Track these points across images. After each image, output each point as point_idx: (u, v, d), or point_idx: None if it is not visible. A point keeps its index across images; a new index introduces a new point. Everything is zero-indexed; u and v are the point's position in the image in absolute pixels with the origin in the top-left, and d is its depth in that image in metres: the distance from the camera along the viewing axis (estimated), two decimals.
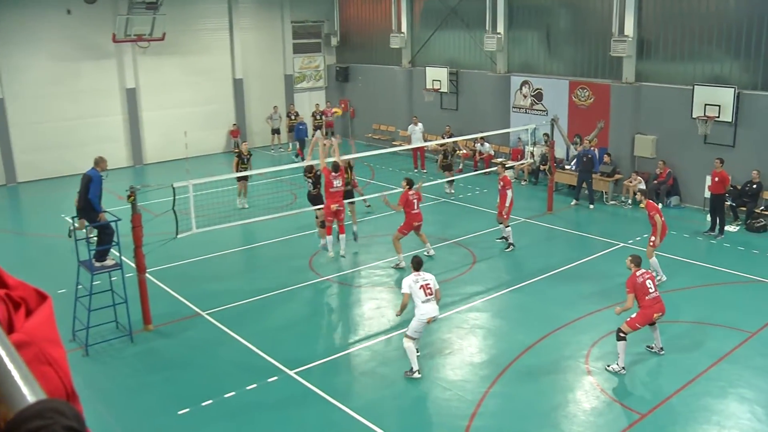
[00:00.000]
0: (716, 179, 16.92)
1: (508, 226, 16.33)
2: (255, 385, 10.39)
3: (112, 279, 12.40)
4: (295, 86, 31.96)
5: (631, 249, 16.04)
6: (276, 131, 29.35)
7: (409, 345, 10.46)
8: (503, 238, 16.56)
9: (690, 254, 15.69)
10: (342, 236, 14.49)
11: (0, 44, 23.56)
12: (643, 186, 19.93)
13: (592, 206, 20.00)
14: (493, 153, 24.78)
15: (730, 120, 18.21)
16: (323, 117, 30.57)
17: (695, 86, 18.76)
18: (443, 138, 25.27)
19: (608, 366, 10.66)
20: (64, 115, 25.21)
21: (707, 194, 18.00)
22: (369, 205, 19.38)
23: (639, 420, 9.35)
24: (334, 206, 14.31)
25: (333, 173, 14.62)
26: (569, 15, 22.63)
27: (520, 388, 10.28)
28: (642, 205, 14.13)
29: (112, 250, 12.35)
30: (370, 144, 30.40)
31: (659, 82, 20.20)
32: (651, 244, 13.80)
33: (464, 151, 24.94)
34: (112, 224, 11.73)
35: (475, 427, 9.28)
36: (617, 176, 20.69)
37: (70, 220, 13.52)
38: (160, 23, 25.78)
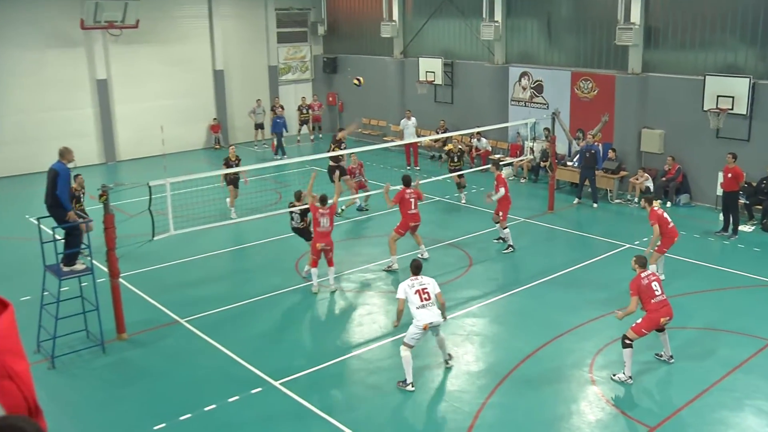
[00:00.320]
0: (729, 176, 16.93)
1: (506, 228, 16.33)
2: (237, 398, 10.31)
3: (83, 285, 12.27)
4: (280, 78, 31.91)
5: (638, 250, 16.05)
6: (259, 126, 29.30)
7: (405, 354, 10.39)
8: (501, 239, 16.57)
9: (701, 256, 15.71)
10: (331, 269, 14.30)
11: None
12: (650, 183, 19.99)
13: (595, 205, 20.02)
14: (490, 149, 24.78)
15: (744, 112, 18.26)
16: (310, 111, 30.52)
17: (707, 76, 18.80)
18: (437, 133, 25.35)
19: (614, 375, 10.64)
20: (28, 107, 25.03)
21: (719, 192, 18.05)
22: (367, 208, 19.34)
23: None
24: (320, 245, 14.04)
25: (321, 210, 13.87)
26: (571, 1, 22.66)
27: (520, 398, 10.24)
28: (646, 210, 14.06)
29: (82, 253, 12.25)
30: (360, 140, 30.35)
31: (668, 72, 20.25)
32: (656, 249, 13.73)
33: (460, 147, 24.87)
34: (90, 224, 11.62)
35: None
36: (623, 173, 20.73)
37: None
38: (133, 9, 25.62)
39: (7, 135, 24.75)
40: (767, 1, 18.09)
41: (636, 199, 20.06)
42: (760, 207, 17.97)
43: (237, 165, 19.08)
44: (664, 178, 20.07)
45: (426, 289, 10.38)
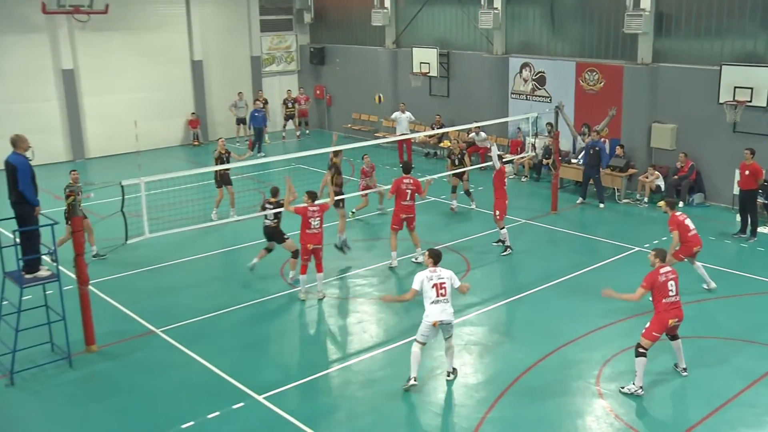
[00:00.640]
0: (747, 173, 16.96)
1: (503, 228, 16.33)
2: (218, 413, 10.25)
3: (48, 293, 12.17)
4: (263, 70, 31.89)
5: (648, 253, 16.05)
6: (241, 121, 29.27)
7: (415, 350, 10.61)
8: (500, 241, 16.57)
9: (717, 260, 15.70)
10: (320, 274, 14.23)
11: None
12: (661, 182, 20.02)
13: (602, 205, 20.05)
14: (489, 146, 24.74)
15: (764, 105, 18.33)
16: (296, 105, 30.48)
17: (723, 66, 18.85)
18: (433, 129, 25.33)
19: (623, 387, 10.62)
20: None
21: (736, 191, 18.06)
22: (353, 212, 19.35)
23: None
24: (311, 245, 13.96)
25: (311, 208, 13.76)
26: None
27: (522, 413, 10.21)
28: (667, 214, 13.97)
29: (47, 259, 12.14)
30: (350, 136, 30.33)
31: (680, 62, 20.30)
32: (673, 254, 13.65)
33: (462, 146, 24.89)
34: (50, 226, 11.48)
35: None
36: (631, 171, 20.77)
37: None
38: None
39: None
40: None
41: (645, 199, 20.10)
42: None
43: (228, 160, 18.77)
44: (676, 177, 20.11)
45: (444, 283, 10.44)
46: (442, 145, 26.50)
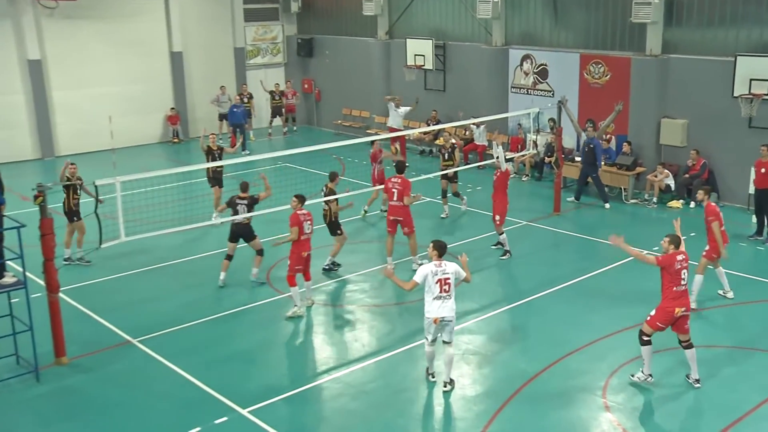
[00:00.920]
0: (763, 171, 17.02)
1: (502, 233, 16.32)
2: (199, 429, 10.21)
3: (13, 301, 12.07)
4: (248, 62, 31.86)
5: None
6: (224, 117, 29.20)
7: (427, 350, 11.08)
8: (499, 244, 16.57)
9: (732, 263, 15.63)
10: (308, 282, 14.17)
11: None
12: (671, 181, 20.05)
13: (607, 205, 20.09)
14: (487, 143, 24.79)
15: None
16: (283, 99, 30.44)
17: (738, 57, 18.86)
18: (428, 125, 25.34)
19: (632, 376, 11.03)
20: None
21: (752, 190, 18.11)
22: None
23: None
24: (305, 252, 13.89)
25: (302, 211, 13.59)
26: None
27: (524, 426, 10.21)
28: (703, 204, 13.88)
29: (11, 264, 12.06)
30: (340, 133, 30.37)
31: (692, 53, 20.35)
32: (705, 254, 13.66)
33: (453, 141, 24.89)
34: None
35: None
36: (639, 169, 20.80)
37: None
38: None
39: None
40: None
41: (654, 199, 20.13)
42: None
43: (220, 157, 18.70)
44: (687, 175, 20.15)
45: (448, 279, 10.61)
46: (437, 142, 26.49)
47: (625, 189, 20.74)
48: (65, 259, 16.03)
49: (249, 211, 14.86)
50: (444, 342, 10.94)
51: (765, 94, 18.40)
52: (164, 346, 12.63)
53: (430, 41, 26.17)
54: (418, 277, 10.66)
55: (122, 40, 27.98)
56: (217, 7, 30.76)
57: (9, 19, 25.65)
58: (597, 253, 16.87)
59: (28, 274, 11.77)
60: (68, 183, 15.64)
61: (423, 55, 26.31)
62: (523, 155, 21.22)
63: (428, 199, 20.31)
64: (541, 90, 23.77)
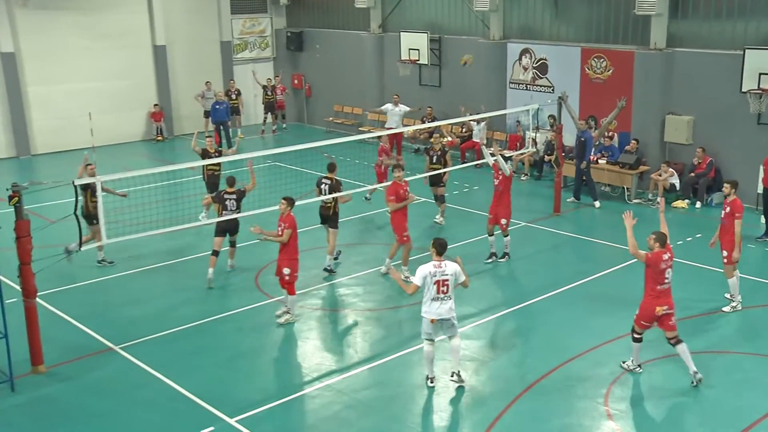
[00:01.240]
0: None
1: (507, 235, 16.31)
2: None
3: None
4: (235, 56, 31.85)
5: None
6: (209, 114, 29.16)
7: (427, 349, 11.21)
8: (492, 255, 16.42)
9: (740, 266, 15.64)
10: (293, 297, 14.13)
11: None
12: (675, 180, 20.10)
13: (597, 203, 20.15)
14: (485, 142, 24.82)
15: None
16: (274, 94, 30.42)
17: (746, 50, 18.92)
18: (423, 122, 25.38)
19: (623, 363, 11.65)
20: None
21: (760, 189, 18.17)
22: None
23: None
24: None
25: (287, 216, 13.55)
26: None
27: None
28: (729, 198, 13.73)
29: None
30: (331, 130, 30.40)
31: (698, 46, 20.42)
32: (726, 260, 13.67)
33: (449, 139, 24.95)
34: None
35: None
36: (642, 168, 20.86)
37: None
38: None
39: None
40: None
41: (658, 199, 20.12)
42: None
43: (214, 167, 18.51)
44: (692, 174, 20.21)
45: (447, 281, 10.80)
46: (433, 140, 26.48)
47: (628, 188, 20.79)
48: (98, 262, 16.42)
49: (238, 205, 15.27)
50: (448, 336, 11.22)
51: None
52: (148, 353, 12.61)
53: (425, 35, 26.20)
54: (417, 280, 10.83)
55: (102, 32, 27.94)
56: None
57: None
58: (598, 256, 16.91)
59: (2, 278, 11.77)
60: (87, 183, 15.41)
61: (418, 50, 26.34)
62: (522, 154, 21.25)
63: (423, 200, 20.34)
64: (541, 86, 23.81)
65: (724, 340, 12.73)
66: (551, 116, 21.64)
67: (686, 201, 20.05)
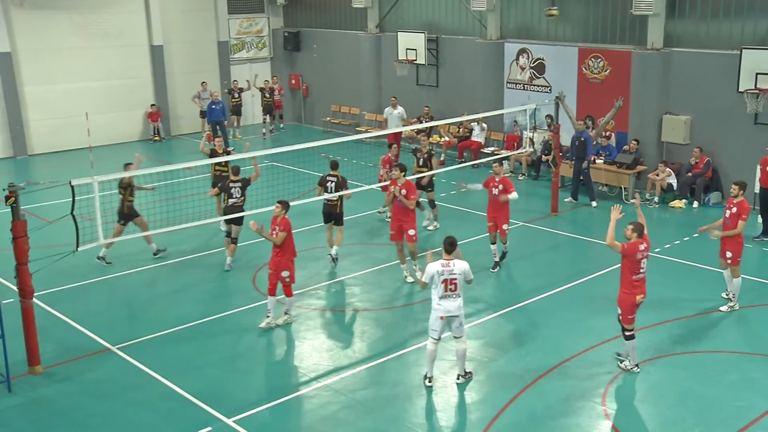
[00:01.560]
0: None
1: (506, 242, 16.03)
2: None
3: None
4: (232, 56, 31.82)
5: (659, 259, 16.17)
6: (205, 114, 29.16)
7: (430, 347, 11.21)
8: (497, 265, 16.18)
9: None
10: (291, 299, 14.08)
11: None
12: (673, 180, 20.12)
13: (594, 203, 20.16)
14: (483, 141, 24.85)
15: None
16: (272, 95, 30.42)
17: (743, 50, 18.96)
18: (421, 122, 25.36)
19: (621, 363, 11.70)
20: None
21: (757, 189, 18.18)
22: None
23: None
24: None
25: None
26: None
27: None
28: (736, 199, 13.87)
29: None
30: (328, 130, 30.39)
31: (695, 46, 20.44)
32: (730, 261, 13.67)
33: (446, 139, 24.99)
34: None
35: None
36: (640, 168, 20.87)
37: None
38: None
39: None
40: None
41: (656, 199, 20.20)
42: None
43: (226, 164, 18.29)
44: (690, 174, 20.23)
45: (455, 280, 10.90)
46: (431, 140, 26.50)
47: (625, 188, 20.80)
48: (98, 257, 16.43)
49: (243, 193, 15.97)
50: (455, 337, 11.27)
51: None
52: (145, 354, 12.60)
53: (423, 35, 26.20)
54: (425, 277, 11.00)
55: (99, 32, 27.93)
56: None
57: None
58: (595, 256, 16.90)
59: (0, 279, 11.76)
60: (128, 185, 16.23)
61: (415, 50, 26.34)
62: (519, 153, 21.25)
63: (422, 200, 20.32)
64: (538, 85, 23.82)
65: (722, 340, 12.73)
66: (548, 116, 21.67)
67: (683, 201, 20.07)
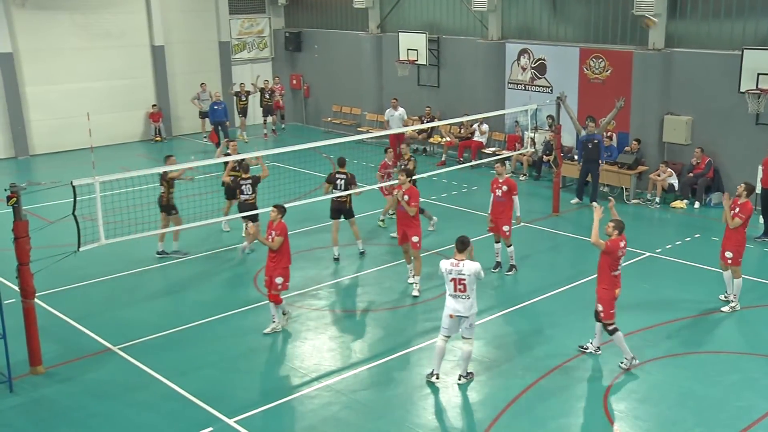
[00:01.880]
0: None
1: (510, 245, 15.97)
2: None
3: None
4: (233, 57, 31.83)
5: (660, 259, 16.18)
6: (206, 115, 29.15)
7: (438, 344, 11.32)
8: (498, 266, 16.14)
9: None
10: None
11: None
12: (674, 180, 20.11)
13: (595, 204, 20.05)
14: (484, 141, 24.84)
15: None
16: (272, 96, 30.42)
17: (745, 50, 18.95)
18: (422, 122, 25.40)
19: (621, 363, 11.69)
20: None
21: (759, 189, 18.14)
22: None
23: None
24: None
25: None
26: None
27: None
28: (740, 200, 13.80)
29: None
30: (330, 131, 30.40)
31: (697, 46, 20.43)
32: (731, 261, 13.65)
33: (447, 139, 24.99)
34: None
35: None
36: (641, 168, 20.86)
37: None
38: None
39: None
40: None
41: (657, 199, 20.20)
42: None
43: (239, 164, 18.01)
44: (691, 174, 20.22)
45: (463, 280, 10.88)
46: (432, 140, 26.56)
47: (626, 189, 20.80)
48: (158, 253, 16.83)
49: (254, 189, 16.41)
50: (463, 338, 11.28)
51: None
52: (146, 354, 12.61)
53: (424, 35, 26.20)
54: (441, 270, 11.10)
55: (100, 32, 27.94)
56: None
57: None
58: (596, 257, 16.78)
59: (1, 279, 11.76)
60: (170, 179, 16.65)
61: (416, 50, 26.34)
62: (520, 154, 21.24)
63: (421, 200, 20.32)
64: (539, 86, 23.81)
65: (723, 340, 12.74)
66: (550, 116, 21.67)
67: (685, 201, 20.06)
